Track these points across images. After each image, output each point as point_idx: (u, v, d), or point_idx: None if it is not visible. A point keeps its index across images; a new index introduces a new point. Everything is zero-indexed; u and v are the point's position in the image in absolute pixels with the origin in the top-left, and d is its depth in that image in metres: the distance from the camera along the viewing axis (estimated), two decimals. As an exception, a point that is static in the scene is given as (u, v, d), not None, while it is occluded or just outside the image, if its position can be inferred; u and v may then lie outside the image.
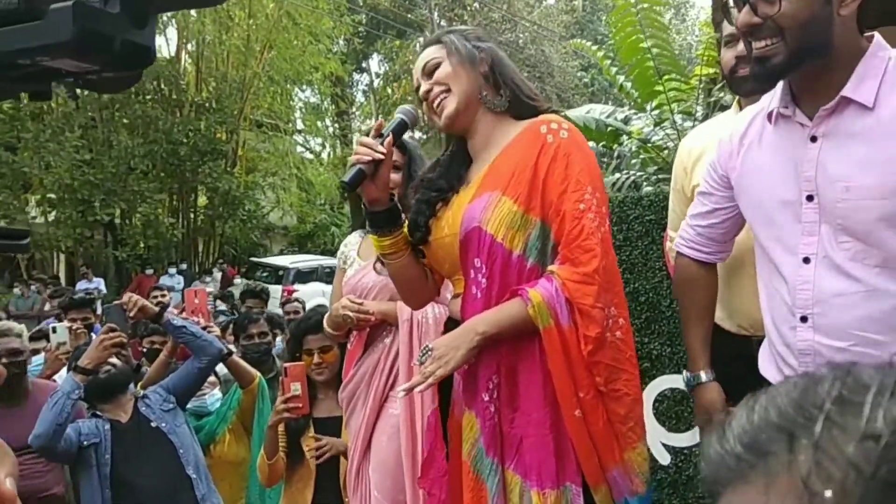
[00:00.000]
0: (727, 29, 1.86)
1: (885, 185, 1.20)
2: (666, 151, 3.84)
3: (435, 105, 1.61)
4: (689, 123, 3.91)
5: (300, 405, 2.40)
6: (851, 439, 0.35)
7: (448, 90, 1.60)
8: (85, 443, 2.49)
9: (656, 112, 4.06)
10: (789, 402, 0.38)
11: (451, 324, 1.72)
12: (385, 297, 2.21)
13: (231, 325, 4.29)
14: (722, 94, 3.71)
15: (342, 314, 2.18)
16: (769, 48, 1.25)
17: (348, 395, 2.29)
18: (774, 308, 1.41)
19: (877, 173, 1.21)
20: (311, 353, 2.56)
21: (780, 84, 1.35)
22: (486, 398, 1.56)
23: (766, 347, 1.51)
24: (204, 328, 2.95)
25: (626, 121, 4.31)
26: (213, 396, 3.23)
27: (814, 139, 1.29)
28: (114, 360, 2.59)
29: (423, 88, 1.64)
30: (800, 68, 1.27)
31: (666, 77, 3.87)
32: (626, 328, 1.54)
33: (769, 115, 1.38)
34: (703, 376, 1.65)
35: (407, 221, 1.71)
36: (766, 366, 1.48)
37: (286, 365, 2.44)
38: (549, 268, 1.53)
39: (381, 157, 1.55)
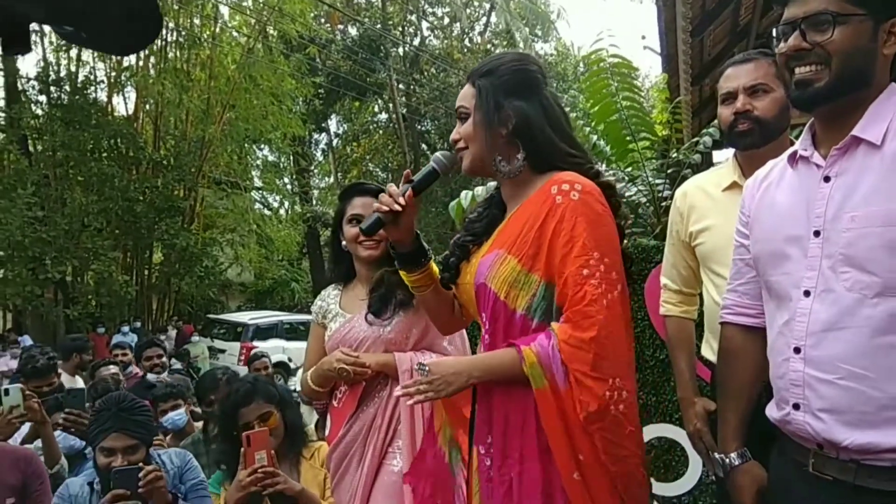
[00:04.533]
0: (724, 87, 1.99)
1: (888, 214, 1.25)
2: (640, 208, 4.01)
3: (457, 155, 1.67)
4: (659, 180, 4.10)
5: (269, 475, 2.22)
6: None
7: (466, 147, 1.63)
8: None
9: (629, 169, 4.24)
10: None
11: None
12: (379, 349, 2.15)
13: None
14: (679, 155, 3.94)
15: (337, 367, 2.10)
16: (813, 73, 1.32)
17: (339, 455, 2.17)
18: (774, 343, 1.44)
19: (881, 201, 1.26)
20: (249, 426, 2.36)
21: (805, 130, 1.45)
22: (483, 451, 1.56)
23: None
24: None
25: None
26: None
27: (827, 179, 1.35)
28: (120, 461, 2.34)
29: (454, 133, 1.67)
30: (840, 98, 1.32)
31: (641, 136, 4.06)
32: (629, 401, 1.44)
33: (791, 158, 1.46)
34: (736, 459, 1.56)
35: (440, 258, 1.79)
36: (770, 404, 1.48)
37: (247, 434, 2.26)
38: (552, 325, 1.49)
39: (399, 209, 1.62)
